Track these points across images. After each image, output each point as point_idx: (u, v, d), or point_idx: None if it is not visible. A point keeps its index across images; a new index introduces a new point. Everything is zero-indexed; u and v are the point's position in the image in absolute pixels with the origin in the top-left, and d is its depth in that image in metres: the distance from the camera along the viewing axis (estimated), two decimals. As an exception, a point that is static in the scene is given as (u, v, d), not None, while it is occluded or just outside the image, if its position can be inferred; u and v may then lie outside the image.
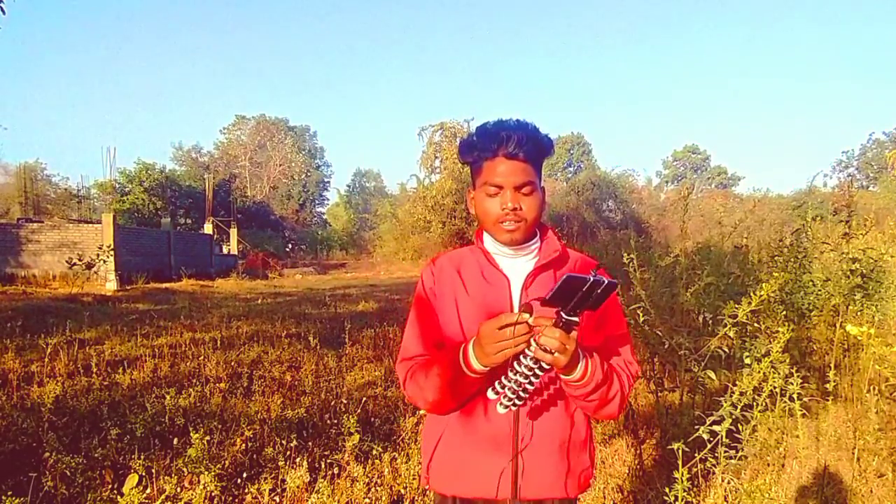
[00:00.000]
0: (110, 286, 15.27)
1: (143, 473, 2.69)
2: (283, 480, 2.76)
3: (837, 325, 4.08)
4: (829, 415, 3.60)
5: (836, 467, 3.00)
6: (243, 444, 3.24)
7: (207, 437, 2.97)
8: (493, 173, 1.24)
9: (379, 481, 2.87)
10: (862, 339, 2.01)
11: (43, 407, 3.50)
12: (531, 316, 1.05)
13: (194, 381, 4.59)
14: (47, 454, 2.76)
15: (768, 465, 2.98)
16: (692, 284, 3.49)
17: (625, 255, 3.41)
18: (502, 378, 1.10)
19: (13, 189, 33.28)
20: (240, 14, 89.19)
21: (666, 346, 3.13)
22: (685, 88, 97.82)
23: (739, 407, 2.36)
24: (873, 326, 2.87)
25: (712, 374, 3.03)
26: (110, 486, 2.62)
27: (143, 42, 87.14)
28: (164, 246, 20.43)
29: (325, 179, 58.82)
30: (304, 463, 2.86)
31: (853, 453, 2.96)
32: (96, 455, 2.95)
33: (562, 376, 1.17)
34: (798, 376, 2.71)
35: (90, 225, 18.39)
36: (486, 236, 1.34)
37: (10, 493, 2.36)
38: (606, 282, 0.96)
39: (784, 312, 3.76)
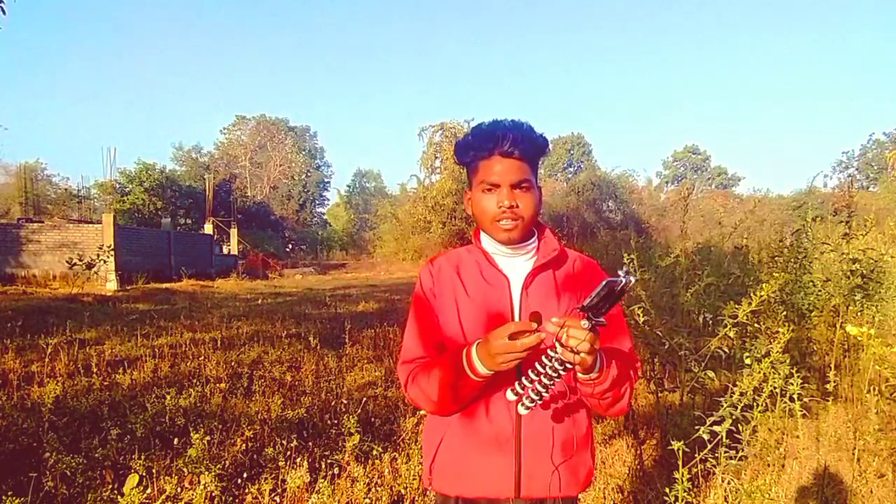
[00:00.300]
0: (110, 286, 15.28)
1: (144, 473, 2.69)
2: (284, 480, 2.76)
3: (837, 326, 4.08)
4: (830, 415, 3.60)
5: (837, 468, 3.00)
6: (243, 445, 3.24)
7: (208, 438, 2.98)
8: (490, 172, 1.24)
9: (379, 481, 2.87)
10: (862, 340, 2.01)
11: (43, 407, 3.50)
12: (538, 323, 1.07)
13: (194, 381, 4.59)
14: (47, 454, 2.76)
15: (768, 465, 2.98)
16: (692, 285, 3.48)
17: (625, 255, 3.41)
18: (522, 379, 1.09)
19: (13, 189, 33.28)
20: (240, 14, 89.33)
21: (666, 347, 3.13)
22: (685, 88, 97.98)
23: (740, 407, 2.36)
24: (873, 327, 2.88)
25: (712, 375, 3.03)
26: (111, 487, 2.61)
27: (143, 42, 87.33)
28: (164, 246, 20.44)
29: (326, 180, 58.86)
30: (305, 463, 2.86)
31: (853, 454, 2.97)
32: (96, 455, 2.95)
33: (581, 375, 1.15)
34: (798, 377, 2.71)
35: (90, 225, 18.41)
36: (483, 236, 1.34)
37: (10, 493, 2.36)
38: (633, 280, 0.98)
39: (784, 313, 3.76)
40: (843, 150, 59.54)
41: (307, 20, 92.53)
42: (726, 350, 2.95)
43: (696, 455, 2.45)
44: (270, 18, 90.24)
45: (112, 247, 16.10)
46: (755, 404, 2.41)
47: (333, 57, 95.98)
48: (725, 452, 2.43)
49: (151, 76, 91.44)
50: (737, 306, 2.69)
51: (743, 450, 2.43)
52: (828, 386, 3.21)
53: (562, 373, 1.07)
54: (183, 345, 6.18)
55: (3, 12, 5.15)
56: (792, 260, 4.43)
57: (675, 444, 1.95)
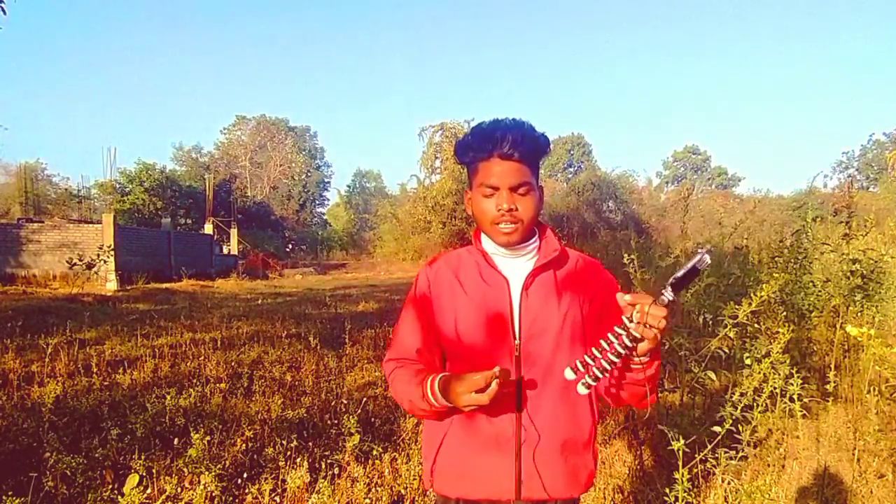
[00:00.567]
0: (110, 286, 15.28)
1: (144, 473, 2.69)
2: (284, 481, 2.76)
3: (838, 326, 4.08)
4: (830, 415, 3.60)
5: (837, 468, 3.01)
6: (244, 445, 3.24)
7: (208, 438, 2.98)
8: (489, 174, 1.23)
9: (379, 482, 2.87)
10: (862, 340, 2.01)
11: (43, 407, 3.50)
12: (500, 370, 1.12)
13: (195, 381, 4.59)
14: (47, 454, 2.76)
15: (768, 465, 2.98)
16: (692, 285, 3.49)
17: (625, 255, 3.42)
18: (585, 357, 1.06)
19: (13, 189, 33.28)
20: (240, 14, 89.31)
21: (666, 347, 3.13)
22: (685, 89, 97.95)
23: (740, 408, 2.37)
24: (873, 327, 2.88)
25: (712, 375, 3.03)
26: (111, 487, 2.61)
27: (143, 42, 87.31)
28: (164, 246, 20.43)
29: (326, 180, 58.85)
30: (305, 463, 2.86)
31: (853, 454, 2.97)
32: (97, 455, 2.95)
33: (639, 357, 1.09)
34: (798, 377, 2.71)
35: (90, 225, 18.40)
36: (483, 237, 1.34)
37: (10, 493, 2.36)
38: (708, 260, 1.03)
39: (784, 313, 3.76)
40: (844, 151, 59.54)
41: (307, 20, 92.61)
42: (726, 350, 2.95)
43: (697, 455, 2.45)
44: (271, 18, 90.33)
45: (112, 247, 16.09)
46: (755, 405, 2.41)
47: (334, 57, 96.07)
48: (725, 453, 2.43)
49: (152, 76, 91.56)
50: (737, 307, 2.69)
51: (743, 450, 2.43)
52: (828, 386, 3.22)
53: (630, 349, 1.05)
54: (183, 345, 6.17)
55: (4, 12, 5.15)
56: (792, 260, 4.43)
57: (675, 444, 1.95)
